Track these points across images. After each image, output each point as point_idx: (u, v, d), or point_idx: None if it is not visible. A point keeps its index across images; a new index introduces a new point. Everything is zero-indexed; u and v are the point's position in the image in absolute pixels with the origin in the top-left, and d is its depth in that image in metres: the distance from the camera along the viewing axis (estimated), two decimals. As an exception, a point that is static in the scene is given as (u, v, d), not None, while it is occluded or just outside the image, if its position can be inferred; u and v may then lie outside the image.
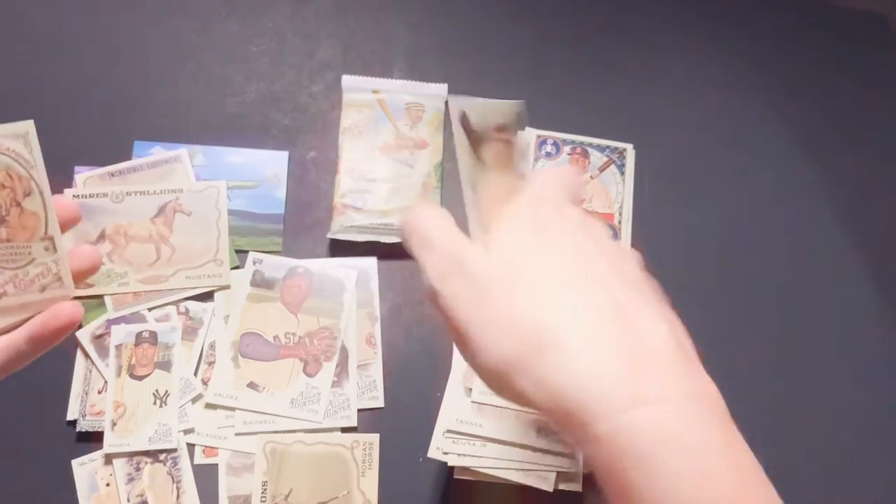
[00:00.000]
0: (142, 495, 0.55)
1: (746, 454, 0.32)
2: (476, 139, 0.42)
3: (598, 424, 0.31)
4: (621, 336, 0.32)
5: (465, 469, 0.55)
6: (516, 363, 0.32)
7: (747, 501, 0.31)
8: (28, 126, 0.40)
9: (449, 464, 0.57)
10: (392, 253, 0.64)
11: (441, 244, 0.36)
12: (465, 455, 0.54)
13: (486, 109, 0.42)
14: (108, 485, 0.55)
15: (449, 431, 0.55)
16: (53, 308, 0.38)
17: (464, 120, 0.42)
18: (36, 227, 0.40)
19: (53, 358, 0.58)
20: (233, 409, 0.58)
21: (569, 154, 0.68)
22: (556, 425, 0.33)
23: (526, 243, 0.35)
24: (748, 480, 0.31)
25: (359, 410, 0.59)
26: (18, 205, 0.39)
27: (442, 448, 0.57)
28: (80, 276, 0.40)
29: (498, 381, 0.33)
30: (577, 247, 0.35)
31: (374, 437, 0.57)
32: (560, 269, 0.34)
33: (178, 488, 0.55)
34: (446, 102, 0.68)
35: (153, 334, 0.59)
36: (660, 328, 0.34)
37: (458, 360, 0.59)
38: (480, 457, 0.54)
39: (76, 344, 0.58)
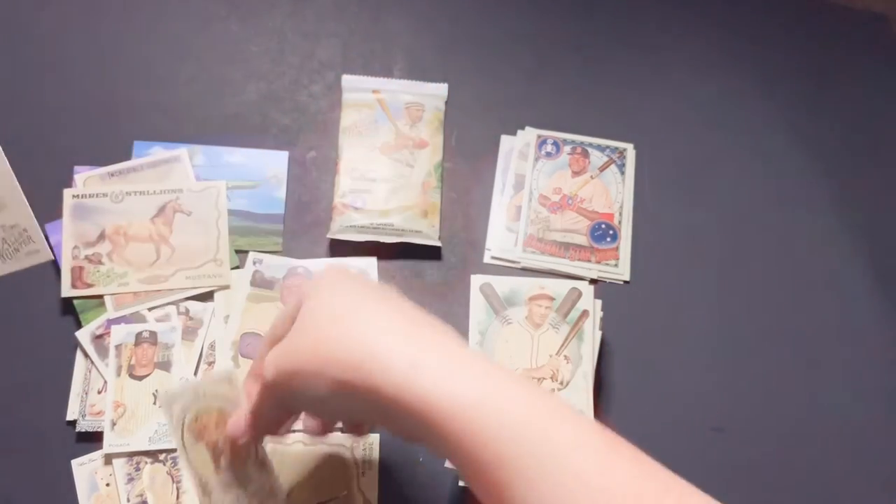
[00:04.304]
0: (142, 495, 0.55)
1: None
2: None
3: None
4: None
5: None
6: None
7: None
8: (232, 373, 0.51)
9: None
10: (392, 253, 0.64)
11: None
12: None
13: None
14: (108, 485, 0.55)
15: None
16: None
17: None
18: (248, 452, 0.48)
19: (53, 358, 0.58)
20: (233, 409, 0.58)
21: (569, 154, 0.68)
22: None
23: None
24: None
25: (359, 410, 0.59)
26: None
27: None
28: None
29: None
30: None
31: (374, 437, 0.57)
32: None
33: (178, 488, 0.55)
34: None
35: (153, 334, 0.59)
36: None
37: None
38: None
39: (76, 344, 0.58)
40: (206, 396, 0.50)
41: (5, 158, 0.46)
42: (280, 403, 0.40)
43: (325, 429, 0.47)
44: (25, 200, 0.43)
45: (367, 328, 0.35)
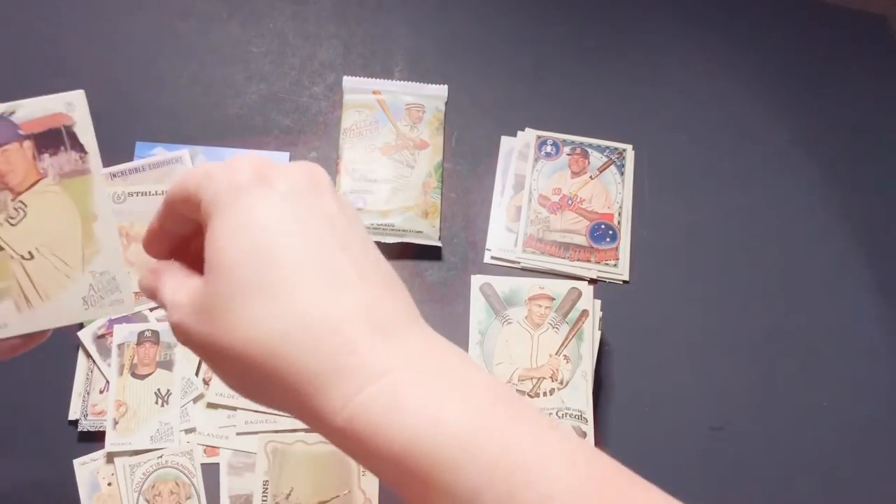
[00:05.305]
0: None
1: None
2: None
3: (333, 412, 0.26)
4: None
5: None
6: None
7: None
8: (192, 449, 0.55)
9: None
10: (393, 253, 0.64)
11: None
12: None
13: None
14: (109, 484, 0.55)
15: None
16: None
17: None
18: None
19: (55, 358, 0.59)
20: (234, 408, 0.58)
21: (568, 154, 0.68)
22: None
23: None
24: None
25: (359, 410, 0.59)
26: None
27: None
28: None
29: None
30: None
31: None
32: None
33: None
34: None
35: (155, 333, 0.59)
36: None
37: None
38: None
39: (77, 344, 0.59)
40: (168, 465, 0.55)
41: (110, 199, 0.46)
42: None
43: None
44: (121, 249, 0.42)
45: (318, 311, 0.27)
